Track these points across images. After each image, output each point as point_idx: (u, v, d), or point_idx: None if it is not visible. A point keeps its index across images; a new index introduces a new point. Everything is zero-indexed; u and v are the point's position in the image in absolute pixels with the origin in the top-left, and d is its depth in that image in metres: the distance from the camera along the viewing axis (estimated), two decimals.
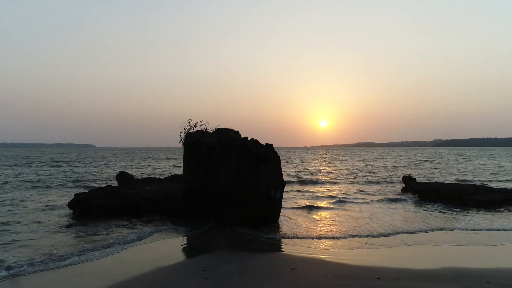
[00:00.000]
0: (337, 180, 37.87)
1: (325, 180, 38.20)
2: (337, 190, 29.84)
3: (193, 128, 19.68)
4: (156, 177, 31.29)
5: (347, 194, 26.90)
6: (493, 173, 46.41)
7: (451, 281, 9.18)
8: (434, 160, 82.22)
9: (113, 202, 19.50)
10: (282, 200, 23.65)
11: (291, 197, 25.49)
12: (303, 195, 26.97)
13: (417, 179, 30.65)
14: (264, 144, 18.09)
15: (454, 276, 9.62)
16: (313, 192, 28.58)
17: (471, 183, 31.95)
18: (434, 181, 32.75)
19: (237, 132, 19.89)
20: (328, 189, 30.38)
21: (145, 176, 35.91)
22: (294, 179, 37.99)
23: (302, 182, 35.87)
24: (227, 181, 17.56)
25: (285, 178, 35.43)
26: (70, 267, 10.56)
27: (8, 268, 10.32)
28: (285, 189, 29.54)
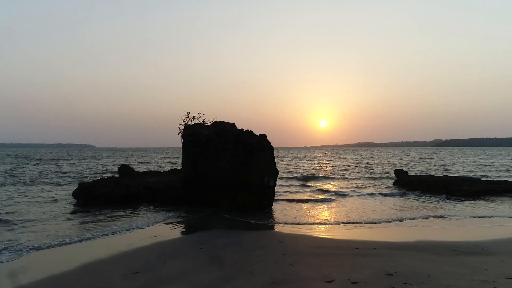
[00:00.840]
0: (333, 176, 38.83)
1: (321, 176, 39.16)
2: (332, 184, 30.84)
3: (191, 120, 20.71)
4: (156, 170, 32.27)
5: (341, 188, 27.85)
6: (489, 170, 47.37)
7: (421, 250, 10.19)
8: (433, 159, 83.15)
9: (115, 191, 20.49)
10: (278, 192, 24.71)
11: (288, 191, 26.32)
12: (299, 189, 27.90)
13: (412, 173, 31.60)
14: (258, 134, 19.09)
15: (425, 246, 10.64)
16: (310, 186, 29.49)
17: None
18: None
19: (233, 124, 20.93)
20: (323, 184, 31.37)
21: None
22: (292, 175, 38.96)
23: (299, 178, 36.81)
24: (224, 170, 18.56)
25: (283, 175, 36.68)
26: (86, 242, 11.62)
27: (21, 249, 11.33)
28: (283, 183, 30.75)
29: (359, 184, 30.36)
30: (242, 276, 7.95)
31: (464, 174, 38.78)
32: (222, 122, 21.11)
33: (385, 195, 24.20)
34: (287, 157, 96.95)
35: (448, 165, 56.83)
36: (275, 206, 19.33)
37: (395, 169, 31.23)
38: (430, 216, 16.51)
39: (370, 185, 29.54)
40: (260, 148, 18.72)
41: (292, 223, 15.21)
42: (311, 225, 14.68)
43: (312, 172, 44.65)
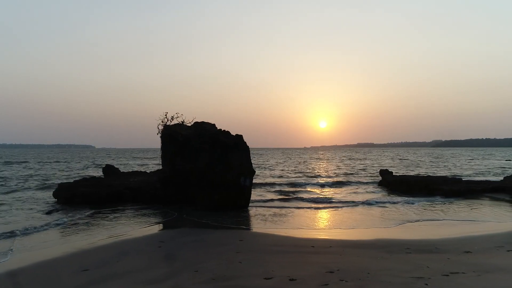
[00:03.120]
0: (319, 179, 38.40)
1: (309, 177, 39.25)
2: (316, 187, 30.32)
3: (170, 120, 20.92)
4: (143, 171, 32.44)
5: (323, 192, 27.42)
6: (481, 171, 47.41)
7: (375, 248, 10.35)
8: (431, 160, 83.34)
9: (95, 190, 20.67)
10: (258, 194, 24.81)
11: (271, 193, 26.02)
12: (282, 190, 27.63)
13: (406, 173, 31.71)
14: (234, 134, 19.29)
15: (381, 245, 10.79)
16: (296, 189, 28.99)
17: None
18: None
19: (213, 125, 21.09)
20: (309, 187, 30.95)
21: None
22: (280, 177, 39.05)
23: (285, 183, 36.83)
24: (201, 169, 18.75)
25: (272, 179, 36.64)
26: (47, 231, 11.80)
27: None
28: (269, 183, 30.73)
29: (343, 185, 30.42)
30: (187, 273, 8.11)
31: (457, 174, 38.94)
32: (202, 122, 21.28)
33: (369, 203, 21.51)
34: (281, 158, 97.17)
35: (445, 166, 56.98)
36: (252, 207, 19.34)
37: (380, 169, 31.39)
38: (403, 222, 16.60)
39: (352, 186, 29.57)
40: (237, 148, 18.92)
41: (261, 222, 15.34)
42: (279, 226, 14.81)
43: (301, 174, 44.54)
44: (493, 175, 39.98)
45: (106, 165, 28.12)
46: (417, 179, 25.60)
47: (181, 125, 21.13)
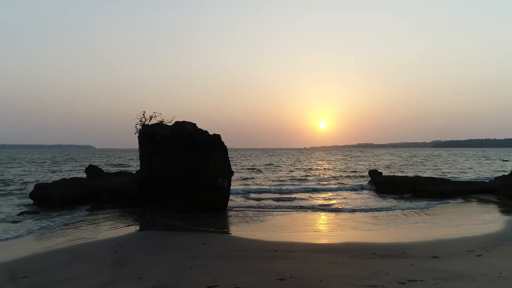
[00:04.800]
0: (308, 182, 37.13)
1: (297, 179, 38.34)
2: (302, 189, 29.20)
3: (148, 120, 20.42)
4: (129, 171, 31.92)
5: (310, 194, 26.56)
6: (476, 172, 46.85)
7: (340, 252, 9.86)
8: (428, 160, 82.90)
9: (72, 191, 20.17)
10: (241, 196, 24.28)
11: (254, 195, 25.12)
12: (267, 192, 26.96)
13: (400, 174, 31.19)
14: (212, 134, 18.79)
15: (349, 249, 10.30)
16: (280, 191, 27.97)
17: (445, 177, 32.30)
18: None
19: (194, 124, 20.53)
20: (294, 189, 29.70)
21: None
22: (269, 178, 38.48)
23: (274, 180, 36.34)
24: (177, 170, 18.26)
25: (261, 181, 35.89)
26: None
27: None
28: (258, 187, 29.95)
29: (332, 186, 29.88)
30: (129, 280, 7.64)
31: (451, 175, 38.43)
32: (183, 122, 20.73)
33: (352, 207, 19.98)
34: (278, 158, 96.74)
35: (435, 166, 56.49)
36: (232, 209, 18.69)
37: (369, 170, 30.90)
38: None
39: (341, 189, 28.85)
40: (214, 148, 18.43)
41: (234, 225, 14.82)
42: (251, 228, 14.23)
43: (290, 177, 43.03)
44: (486, 175, 39.41)
45: (89, 165, 27.60)
46: (404, 179, 25.12)
47: (161, 125, 20.62)
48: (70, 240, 11.84)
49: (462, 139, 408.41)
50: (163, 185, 18.86)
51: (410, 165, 60.25)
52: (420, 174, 38.48)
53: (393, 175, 30.22)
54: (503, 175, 26.17)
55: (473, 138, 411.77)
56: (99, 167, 29.83)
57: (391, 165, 59.32)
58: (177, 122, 20.63)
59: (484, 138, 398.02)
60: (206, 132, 18.92)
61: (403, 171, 43.81)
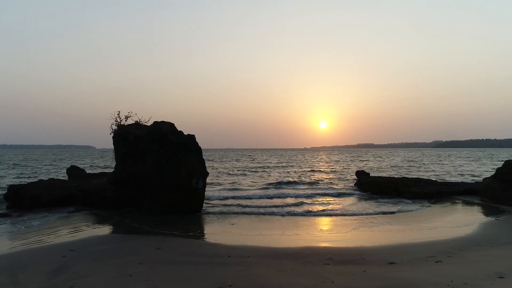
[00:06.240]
0: (297, 181, 36.49)
1: (286, 182, 37.79)
2: (288, 193, 28.49)
3: (124, 120, 20.04)
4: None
5: (293, 191, 26.28)
6: (469, 172, 46.28)
7: (293, 258, 9.40)
8: (424, 160, 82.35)
9: (46, 193, 19.77)
10: (222, 198, 23.76)
11: (236, 197, 24.61)
12: (252, 194, 26.58)
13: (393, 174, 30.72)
14: (186, 134, 18.38)
15: (305, 254, 9.85)
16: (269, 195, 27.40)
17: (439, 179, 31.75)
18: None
19: (172, 124, 20.09)
20: (280, 193, 28.94)
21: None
22: (262, 178, 38.02)
23: (264, 181, 35.93)
24: (150, 170, 17.85)
25: (249, 182, 35.19)
26: None
27: None
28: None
29: (319, 186, 29.43)
30: None
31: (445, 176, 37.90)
32: (161, 122, 20.34)
33: (329, 211, 18.99)
34: (275, 159, 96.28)
35: (424, 166, 55.95)
36: (207, 211, 18.13)
37: (357, 171, 30.43)
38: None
39: (326, 187, 28.48)
40: (187, 148, 18.02)
41: (202, 227, 14.40)
42: (218, 231, 13.73)
43: (279, 178, 41.91)
44: (486, 175, 38.73)
45: (71, 166, 27.19)
46: (389, 180, 24.64)
47: (137, 125, 20.25)
48: (23, 244, 11.42)
49: (462, 139, 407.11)
50: (136, 186, 18.46)
51: (405, 166, 59.72)
52: (419, 175, 38.00)
53: (379, 176, 29.71)
54: (491, 176, 25.68)
55: (474, 138, 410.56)
56: (83, 168, 29.55)
57: (383, 166, 58.82)
58: (155, 122, 20.20)
59: (484, 138, 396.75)
60: (180, 132, 18.52)
61: (391, 171, 43.29)
